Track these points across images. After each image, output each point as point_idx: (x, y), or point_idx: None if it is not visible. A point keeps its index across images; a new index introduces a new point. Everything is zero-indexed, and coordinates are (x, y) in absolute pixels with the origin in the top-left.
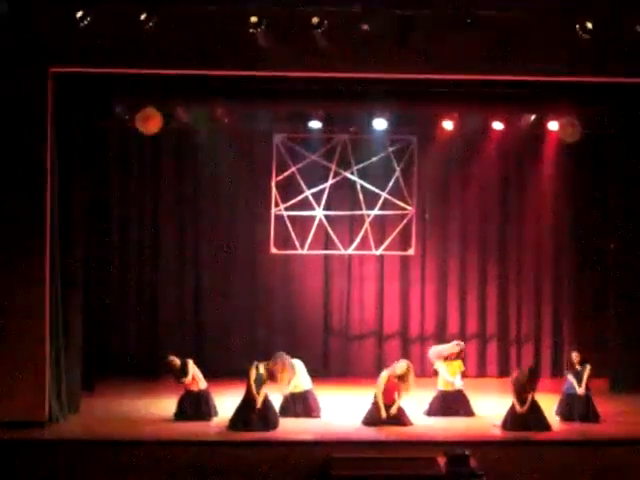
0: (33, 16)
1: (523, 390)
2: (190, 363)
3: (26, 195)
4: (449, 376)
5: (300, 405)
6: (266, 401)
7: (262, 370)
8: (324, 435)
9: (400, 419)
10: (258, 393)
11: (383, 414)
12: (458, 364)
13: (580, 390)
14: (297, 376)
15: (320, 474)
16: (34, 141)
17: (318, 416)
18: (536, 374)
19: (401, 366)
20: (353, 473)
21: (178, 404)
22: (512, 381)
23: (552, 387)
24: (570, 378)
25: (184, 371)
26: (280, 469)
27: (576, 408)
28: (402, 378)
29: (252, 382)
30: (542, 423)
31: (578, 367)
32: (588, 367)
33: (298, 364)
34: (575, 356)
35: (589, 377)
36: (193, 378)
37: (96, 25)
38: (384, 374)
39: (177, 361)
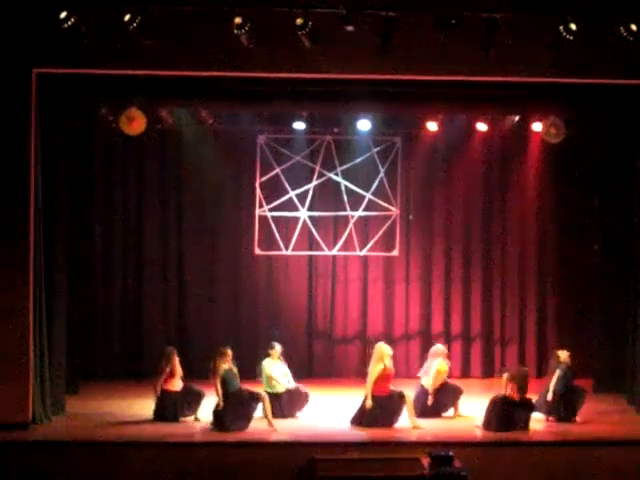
0: (16, 17)
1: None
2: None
3: (9, 197)
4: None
5: (284, 405)
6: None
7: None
8: (308, 436)
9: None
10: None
11: (369, 404)
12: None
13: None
14: (277, 377)
15: (304, 475)
16: (18, 142)
17: (296, 416)
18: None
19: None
20: (337, 474)
21: (156, 406)
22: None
23: (538, 388)
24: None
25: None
26: (264, 470)
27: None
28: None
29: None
30: (524, 423)
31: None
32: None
33: (279, 365)
34: (562, 354)
35: None
36: (173, 376)
37: (80, 26)
38: (379, 367)
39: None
